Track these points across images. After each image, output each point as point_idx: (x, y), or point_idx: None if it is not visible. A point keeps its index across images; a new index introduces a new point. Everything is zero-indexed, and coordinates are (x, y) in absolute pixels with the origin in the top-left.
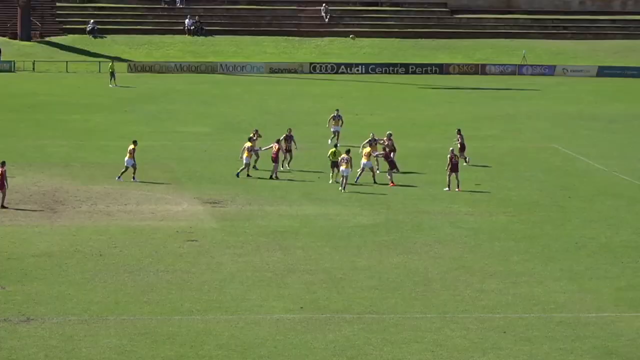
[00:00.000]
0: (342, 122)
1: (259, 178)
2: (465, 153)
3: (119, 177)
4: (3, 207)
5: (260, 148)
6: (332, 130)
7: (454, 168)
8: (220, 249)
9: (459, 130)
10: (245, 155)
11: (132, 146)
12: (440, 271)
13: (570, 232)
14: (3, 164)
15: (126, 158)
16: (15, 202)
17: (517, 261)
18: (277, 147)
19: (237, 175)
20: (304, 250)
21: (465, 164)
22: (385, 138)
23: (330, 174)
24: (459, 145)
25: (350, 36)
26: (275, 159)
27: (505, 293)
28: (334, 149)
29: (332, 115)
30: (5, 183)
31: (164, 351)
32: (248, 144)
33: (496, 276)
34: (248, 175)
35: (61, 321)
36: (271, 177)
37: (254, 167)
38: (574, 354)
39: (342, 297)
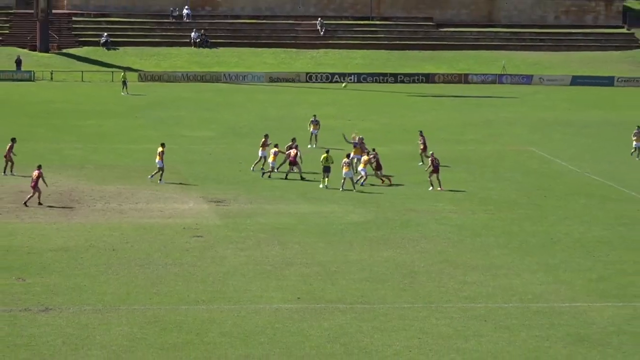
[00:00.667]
0: (319, 126)
1: (274, 179)
2: (427, 153)
3: (160, 181)
4: (25, 205)
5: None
6: (311, 132)
7: (435, 170)
8: (224, 244)
9: (421, 132)
10: (270, 159)
11: (160, 148)
12: (426, 264)
13: (546, 229)
14: (39, 167)
15: (157, 160)
16: (35, 201)
17: (497, 255)
18: (294, 152)
19: (262, 175)
20: (301, 245)
21: (420, 164)
22: (359, 141)
23: (322, 178)
24: (421, 146)
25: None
26: (293, 162)
27: (486, 284)
28: (325, 154)
29: (310, 120)
30: (38, 183)
31: (171, 338)
32: (274, 149)
33: (477, 269)
34: (269, 176)
35: (77, 310)
36: (290, 176)
37: (262, 168)
38: (549, 340)
39: (336, 288)
